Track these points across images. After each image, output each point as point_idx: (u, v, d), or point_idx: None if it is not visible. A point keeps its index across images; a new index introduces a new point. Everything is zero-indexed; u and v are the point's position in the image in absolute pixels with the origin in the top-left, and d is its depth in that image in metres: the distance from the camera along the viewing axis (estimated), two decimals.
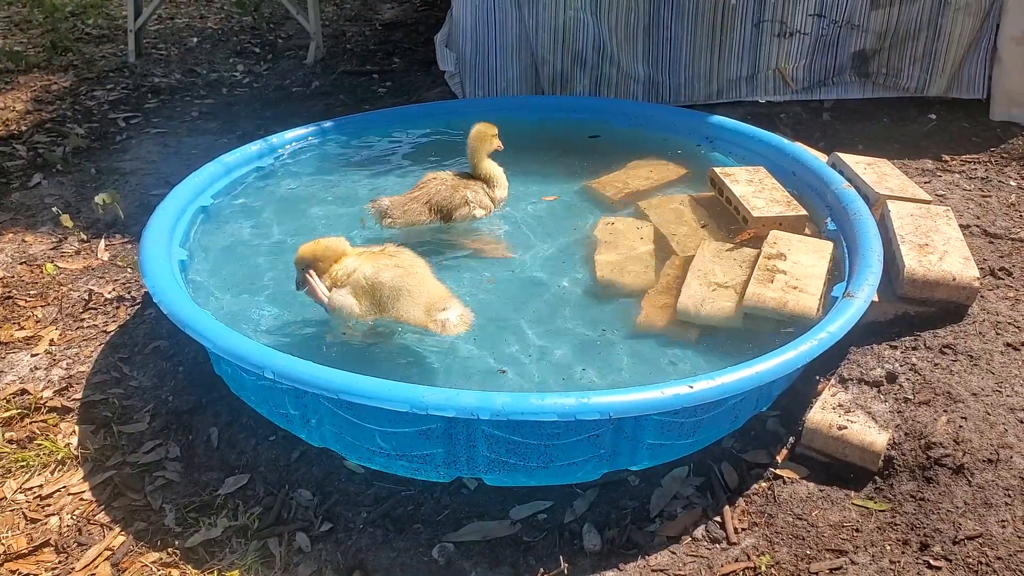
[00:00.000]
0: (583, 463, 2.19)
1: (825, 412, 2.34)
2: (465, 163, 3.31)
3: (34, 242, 3.59)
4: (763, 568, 2.03)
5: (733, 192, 3.18)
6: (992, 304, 2.81)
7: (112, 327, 3.01)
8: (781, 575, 2.02)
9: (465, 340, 2.60)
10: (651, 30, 4.38)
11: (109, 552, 2.15)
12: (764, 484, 2.27)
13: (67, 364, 2.83)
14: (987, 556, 2.01)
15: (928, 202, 3.15)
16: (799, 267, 2.69)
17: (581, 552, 2.09)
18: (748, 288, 2.60)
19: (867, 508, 2.17)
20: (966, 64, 4.36)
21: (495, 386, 2.43)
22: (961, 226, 3.12)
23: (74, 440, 2.51)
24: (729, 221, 3.18)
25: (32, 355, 2.88)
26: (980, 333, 2.66)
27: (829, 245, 2.85)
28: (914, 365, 2.53)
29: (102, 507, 2.29)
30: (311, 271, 2.59)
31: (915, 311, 2.72)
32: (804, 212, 3.08)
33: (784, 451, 2.36)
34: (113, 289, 3.23)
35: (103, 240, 3.57)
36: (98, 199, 3.64)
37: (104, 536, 2.20)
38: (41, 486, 2.37)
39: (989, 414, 2.35)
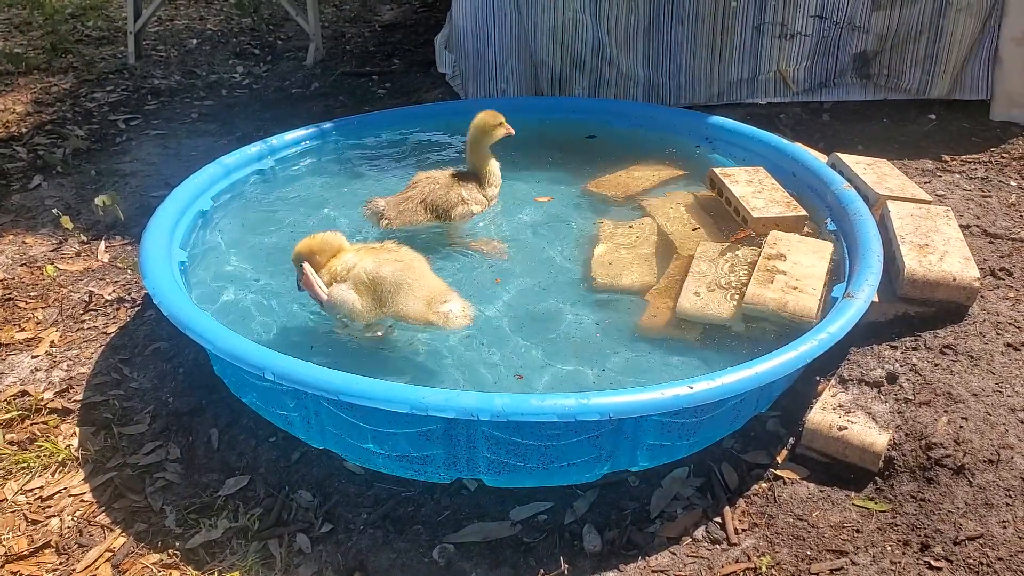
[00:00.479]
0: (583, 464, 2.19)
1: (825, 413, 2.34)
2: (459, 162, 3.26)
3: (34, 244, 3.59)
4: (763, 569, 2.03)
5: (733, 193, 3.18)
6: (992, 304, 2.81)
7: (112, 329, 3.01)
8: None
9: (465, 340, 2.60)
10: (651, 33, 4.38)
11: (110, 553, 2.15)
12: (764, 485, 2.27)
13: (67, 366, 2.83)
14: (988, 557, 2.01)
15: (928, 202, 3.15)
16: (799, 268, 2.69)
17: (581, 553, 2.09)
18: (748, 289, 2.60)
19: (867, 509, 2.17)
20: (969, 65, 4.36)
21: (496, 387, 2.43)
22: (961, 226, 3.12)
23: (75, 442, 2.51)
24: (729, 222, 3.18)
25: (33, 357, 2.88)
26: (980, 333, 2.66)
27: (829, 246, 2.85)
28: (914, 365, 2.53)
29: (103, 508, 2.29)
30: (307, 265, 2.59)
31: (915, 311, 2.72)
32: (804, 212, 3.08)
33: (784, 452, 2.36)
34: (113, 291, 3.23)
35: (103, 242, 3.57)
36: (98, 201, 3.64)
37: (105, 537, 2.20)
38: (42, 487, 2.37)
39: (990, 414, 2.35)
